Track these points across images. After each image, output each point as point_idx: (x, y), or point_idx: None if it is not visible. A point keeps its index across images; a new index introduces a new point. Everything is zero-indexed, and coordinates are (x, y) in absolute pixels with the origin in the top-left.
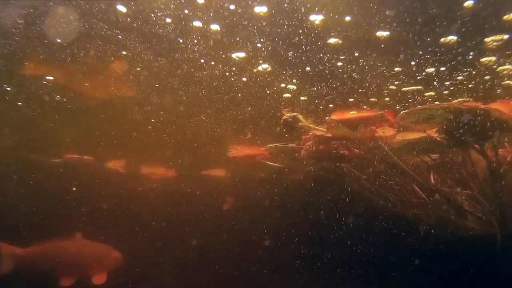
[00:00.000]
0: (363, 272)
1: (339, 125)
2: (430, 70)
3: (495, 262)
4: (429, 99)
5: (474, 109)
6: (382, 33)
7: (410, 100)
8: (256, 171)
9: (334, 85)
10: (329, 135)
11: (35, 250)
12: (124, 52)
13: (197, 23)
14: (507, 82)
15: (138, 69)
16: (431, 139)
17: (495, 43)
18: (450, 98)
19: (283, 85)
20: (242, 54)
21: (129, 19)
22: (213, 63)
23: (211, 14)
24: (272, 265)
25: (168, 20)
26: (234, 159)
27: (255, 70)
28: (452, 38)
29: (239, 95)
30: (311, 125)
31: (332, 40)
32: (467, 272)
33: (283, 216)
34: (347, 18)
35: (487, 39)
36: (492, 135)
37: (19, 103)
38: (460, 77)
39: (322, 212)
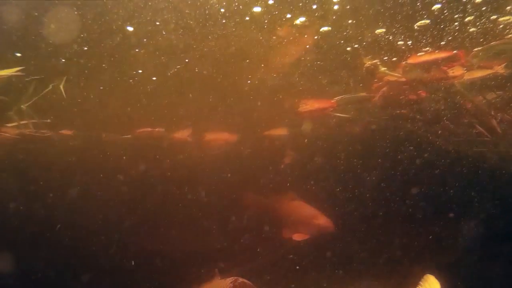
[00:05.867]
0: (442, 210)
1: (414, 69)
2: None
3: None
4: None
5: None
6: None
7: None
8: (322, 125)
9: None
10: (403, 79)
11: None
12: None
13: None
14: None
15: None
16: (498, 75)
17: None
18: None
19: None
20: None
21: None
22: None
23: None
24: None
25: None
26: (305, 114)
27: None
28: None
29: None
30: (387, 71)
31: None
32: None
33: (352, 165)
34: None
35: None
36: None
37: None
38: None
39: (390, 160)
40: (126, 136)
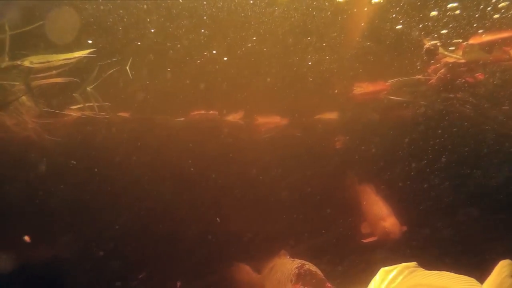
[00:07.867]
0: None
1: (475, 49)
2: None
3: None
4: None
5: None
6: None
7: None
8: (373, 109)
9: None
10: (462, 60)
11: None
12: None
13: None
14: None
15: None
16: None
17: None
18: None
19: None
20: None
21: None
22: None
23: None
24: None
25: None
26: (358, 97)
27: None
28: None
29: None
30: (447, 53)
31: None
32: None
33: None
34: None
35: None
36: None
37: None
38: None
39: (441, 145)
40: (179, 119)
